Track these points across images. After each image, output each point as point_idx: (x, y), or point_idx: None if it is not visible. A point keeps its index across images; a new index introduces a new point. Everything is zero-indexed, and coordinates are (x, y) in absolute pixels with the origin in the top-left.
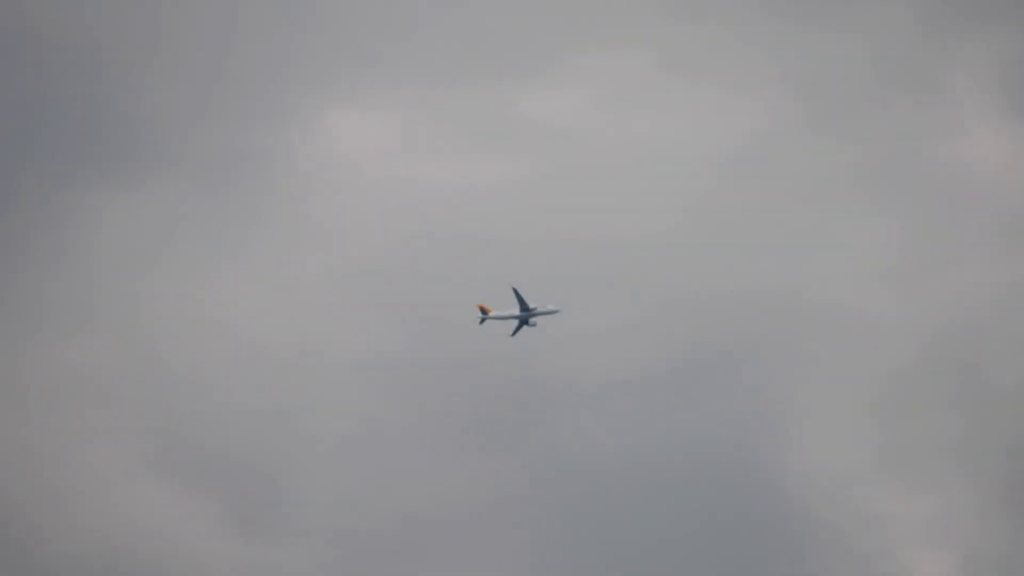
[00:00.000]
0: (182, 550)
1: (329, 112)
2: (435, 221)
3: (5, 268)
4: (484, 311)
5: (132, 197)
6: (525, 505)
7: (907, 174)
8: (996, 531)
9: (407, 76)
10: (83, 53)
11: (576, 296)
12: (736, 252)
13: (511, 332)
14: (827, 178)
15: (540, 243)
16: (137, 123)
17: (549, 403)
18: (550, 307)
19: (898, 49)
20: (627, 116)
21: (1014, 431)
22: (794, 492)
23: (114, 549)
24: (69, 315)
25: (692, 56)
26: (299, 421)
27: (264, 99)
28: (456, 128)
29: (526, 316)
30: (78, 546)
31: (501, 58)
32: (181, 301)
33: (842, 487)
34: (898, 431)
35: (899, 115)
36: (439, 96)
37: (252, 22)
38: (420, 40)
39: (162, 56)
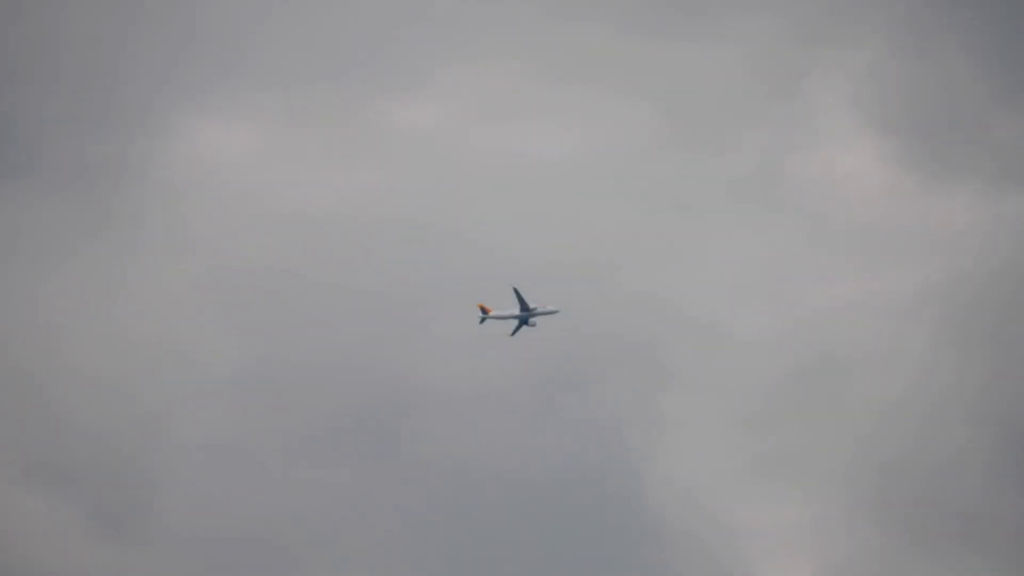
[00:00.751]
0: (46, 554)
1: (194, 121)
2: (299, 230)
3: None
4: (484, 311)
5: None
6: (392, 511)
7: (770, 187)
8: (857, 542)
9: (275, 86)
10: None
11: (450, 306)
12: (604, 263)
13: (511, 332)
14: (692, 190)
15: (407, 253)
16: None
17: (415, 411)
18: (550, 307)
19: (762, 64)
20: (495, 128)
21: (875, 443)
22: (659, 502)
23: None
24: None
25: (564, 69)
26: (166, 427)
27: (128, 108)
28: (323, 139)
29: (526, 316)
30: None
31: (372, 69)
32: (47, 308)
33: (705, 497)
34: (762, 442)
35: (763, 129)
36: (307, 107)
37: (116, 31)
38: (290, 51)
39: (26, 64)
